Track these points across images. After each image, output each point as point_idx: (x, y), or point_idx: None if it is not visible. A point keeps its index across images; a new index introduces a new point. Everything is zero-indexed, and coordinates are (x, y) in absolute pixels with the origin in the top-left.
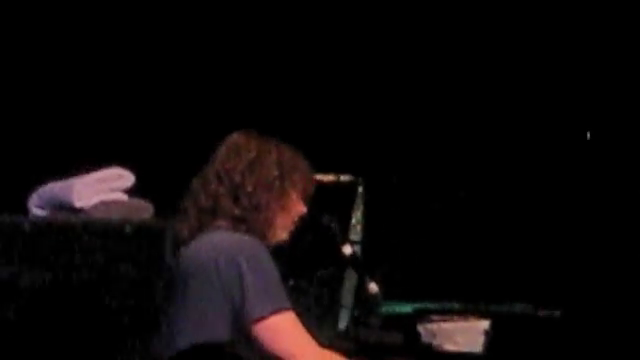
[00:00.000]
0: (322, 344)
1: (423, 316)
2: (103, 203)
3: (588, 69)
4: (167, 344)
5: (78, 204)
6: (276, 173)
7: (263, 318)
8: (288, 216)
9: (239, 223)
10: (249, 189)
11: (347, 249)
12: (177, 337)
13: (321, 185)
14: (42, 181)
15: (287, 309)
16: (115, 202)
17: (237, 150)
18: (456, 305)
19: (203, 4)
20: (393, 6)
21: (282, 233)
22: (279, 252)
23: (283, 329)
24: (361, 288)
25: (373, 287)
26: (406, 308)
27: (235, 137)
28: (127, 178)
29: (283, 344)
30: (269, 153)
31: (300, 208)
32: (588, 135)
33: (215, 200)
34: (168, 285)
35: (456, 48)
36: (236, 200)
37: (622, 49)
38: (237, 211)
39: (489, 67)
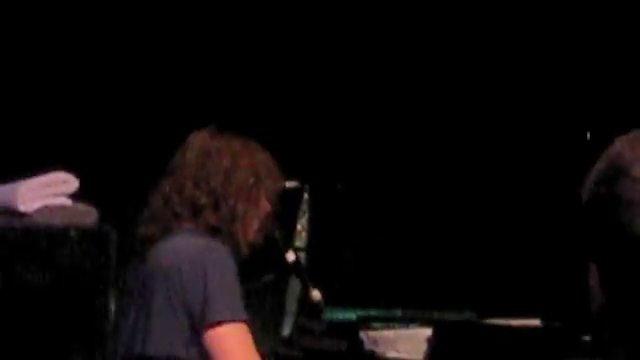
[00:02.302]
0: (264, 354)
1: (366, 323)
2: (47, 207)
3: (588, 69)
4: (126, 350)
5: (22, 208)
6: (252, 180)
7: (217, 324)
8: (261, 220)
9: (215, 232)
10: (231, 201)
11: (290, 256)
12: (136, 343)
13: None
14: None
15: (243, 320)
16: (59, 206)
17: (208, 154)
18: (399, 312)
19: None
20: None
21: (255, 238)
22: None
23: (233, 339)
24: (304, 295)
25: (316, 294)
26: (349, 315)
27: (203, 138)
28: (71, 183)
29: (229, 354)
30: (242, 158)
31: (267, 208)
32: (588, 135)
33: (192, 207)
34: (122, 290)
35: (454, 48)
36: (216, 210)
37: (622, 49)
38: (215, 220)
39: (489, 67)
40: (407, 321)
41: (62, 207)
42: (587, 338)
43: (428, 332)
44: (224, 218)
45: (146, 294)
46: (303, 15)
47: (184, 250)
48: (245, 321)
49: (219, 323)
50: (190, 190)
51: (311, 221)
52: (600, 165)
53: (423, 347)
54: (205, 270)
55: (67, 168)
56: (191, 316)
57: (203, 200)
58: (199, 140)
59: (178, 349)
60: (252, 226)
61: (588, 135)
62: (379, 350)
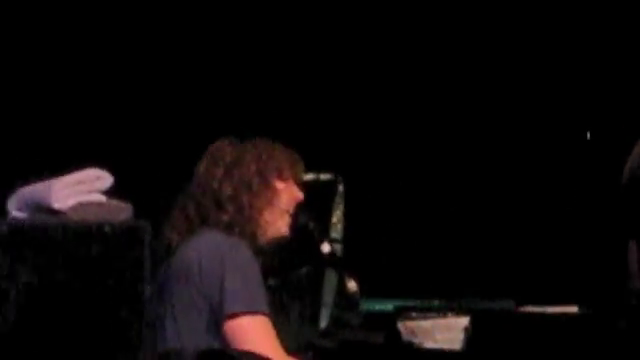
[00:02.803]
0: (293, 350)
1: (403, 314)
2: (81, 204)
3: (588, 69)
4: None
5: (56, 205)
6: (254, 169)
7: (236, 315)
8: (279, 209)
9: (229, 229)
10: (229, 193)
11: (325, 247)
12: (163, 341)
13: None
14: (21, 183)
15: (262, 312)
16: (93, 203)
17: (214, 158)
18: (436, 302)
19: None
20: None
21: (277, 228)
22: (260, 252)
23: (252, 330)
24: (340, 286)
25: (352, 285)
26: (386, 306)
27: (214, 146)
28: (105, 179)
29: (249, 345)
30: (245, 153)
31: (294, 194)
32: (588, 135)
33: (201, 210)
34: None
35: (454, 48)
36: (221, 208)
37: (622, 49)
38: (225, 218)
39: (489, 67)
40: (444, 311)
41: (96, 204)
42: (623, 324)
43: (465, 321)
44: (231, 213)
45: (170, 294)
46: (317, 17)
47: (202, 246)
48: (265, 313)
49: (237, 314)
50: (198, 194)
51: (346, 213)
52: (638, 149)
53: (460, 336)
54: (223, 263)
55: (101, 164)
56: (212, 310)
57: (207, 202)
58: (212, 149)
59: (201, 339)
60: (267, 216)
61: (588, 135)
62: (417, 340)
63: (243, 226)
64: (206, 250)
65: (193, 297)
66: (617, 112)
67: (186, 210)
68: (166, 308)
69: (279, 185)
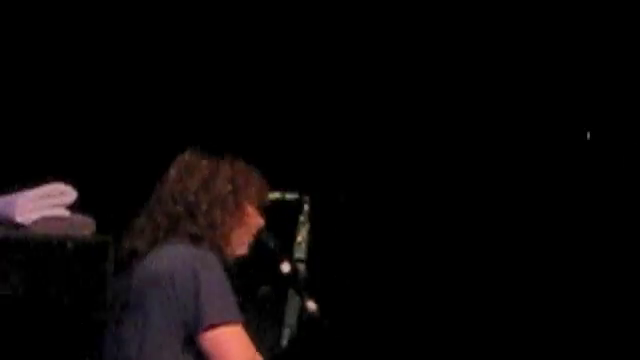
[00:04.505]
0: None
1: None
2: (44, 219)
3: (588, 69)
4: None
5: (19, 219)
6: (229, 188)
7: (213, 327)
8: (246, 230)
9: (197, 241)
10: (204, 207)
11: (285, 267)
12: (127, 355)
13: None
14: None
15: (237, 322)
16: (57, 218)
17: (189, 170)
18: None
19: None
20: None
21: (241, 248)
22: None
23: (230, 340)
24: (300, 306)
25: (311, 305)
26: None
27: (186, 157)
28: (69, 194)
29: (228, 355)
30: (221, 170)
31: (258, 220)
32: (588, 135)
33: (172, 220)
34: (114, 302)
35: (455, 48)
36: (193, 219)
37: (622, 49)
38: (195, 229)
39: (489, 67)
40: None
41: (59, 218)
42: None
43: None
44: (202, 226)
45: (141, 307)
46: (302, 25)
47: (174, 259)
48: (240, 321)
49: (215, 325)
50: (169, 202)
51: (311, 232)
52: None
53: None
54: (197, 277)
55: (65, 179)
56: (185, 324)
57: (179, 210)
58: (182, 159)
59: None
60: (236, 235)
61: (588, 135)
62: None
63: (212, 239)
64: (180, 264)
65: (165, 309)
66: (617, 112)
67: (154, 218)
68: (133, 317)
69: (248, 209)
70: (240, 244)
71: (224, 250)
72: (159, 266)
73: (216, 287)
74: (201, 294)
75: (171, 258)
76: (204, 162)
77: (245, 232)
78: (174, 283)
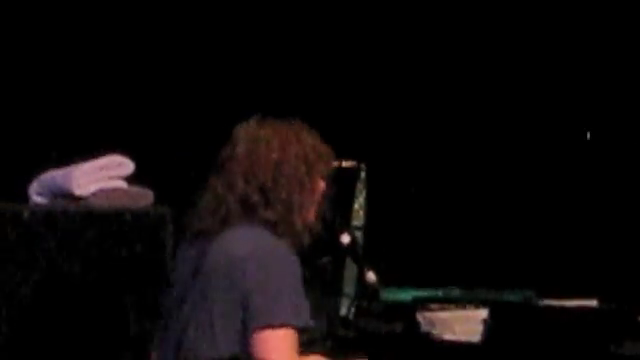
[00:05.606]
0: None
1: (422, 304)
2: (102, 191)
3: (588, 69)
4: (176, 340)
5: (77, 192)
6: (303, 169)
7: (269, 327)
8: (315, 201)
9: (274, 227)
10: (280, 192)
11: (345, 238)
12: (201, 345)
13: None
14: (43, 168)
15: (294, 327)
16: (115, 190)
17: (258, 147)
18: (455, 291)
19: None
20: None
21: (311, 219)
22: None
23: (275, 346)
24: (360, 277)
25: (371, 276)
26: (406, 295)
27: (252, 129)
28: (127, 166)
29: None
30: (291, 146)
31: (322, 187)
32: (588, 135)
33: (245, 204)
34: (177, 279)
35: (458, 48)
36: (268, 205)
37: (622, 49)
38: (270, 214)
39: (489, 67)
40: (463, 302)
41: (117, 190)
42: None
43: (484, 313)
44: (279, 212)
45: (207, 289)
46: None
47: (248, 246)
48: (297, 328)
49: (273, 327)
50: (241, 187)
51: (368, 200)
52: None
53: (479, 328)
54: (269, 270)
55: (122, 151)
56: (245, 314)
57: (255, 198)
58: (246, 133)
59: (239, 350)
60: (311, 213)
61: (588, 135)
62: (436, 331)
63: (291, 223)
64: (253, 254)
65: (228, 297)
66: (617, 112)
67: (226, 199)
68: (196, 298)
69: (321, 184)
70: (311, 217)
71: (301, 233)
72: (232, 251)
73: (284, 287)
74: (266, 291)
75: (246, 244)
76: (272, 136)
77: (314, 203)
78: (245, 272)
